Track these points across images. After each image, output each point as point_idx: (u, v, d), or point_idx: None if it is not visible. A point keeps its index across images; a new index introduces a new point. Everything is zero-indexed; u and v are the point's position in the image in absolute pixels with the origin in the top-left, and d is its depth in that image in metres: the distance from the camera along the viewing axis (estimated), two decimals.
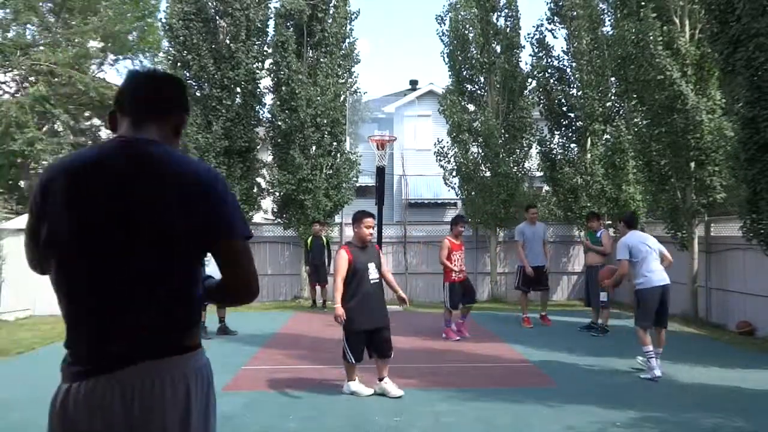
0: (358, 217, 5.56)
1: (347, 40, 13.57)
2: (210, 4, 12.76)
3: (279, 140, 13.21)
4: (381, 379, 5.50)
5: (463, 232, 8.79)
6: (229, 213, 1.61)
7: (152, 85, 1.74)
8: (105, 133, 17.07)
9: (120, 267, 1.53)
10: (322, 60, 13.02)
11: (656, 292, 6.21)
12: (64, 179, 1.57)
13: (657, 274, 6.23)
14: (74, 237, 1.54)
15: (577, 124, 13.36)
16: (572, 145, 13.64)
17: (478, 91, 13.90)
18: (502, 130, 13.24)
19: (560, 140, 13.78)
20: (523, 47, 13.73)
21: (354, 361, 5.42)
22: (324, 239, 12.15)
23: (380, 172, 12.47)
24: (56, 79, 14.41)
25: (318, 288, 12.07)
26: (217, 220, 1.59)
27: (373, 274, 5.41)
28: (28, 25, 15.03)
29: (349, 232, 13.86)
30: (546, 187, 15.60)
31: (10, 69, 14.61)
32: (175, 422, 1.53)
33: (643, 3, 9.88)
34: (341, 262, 5.35)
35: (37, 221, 1.62)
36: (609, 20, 12.83)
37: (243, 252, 1.63)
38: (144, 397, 1.50)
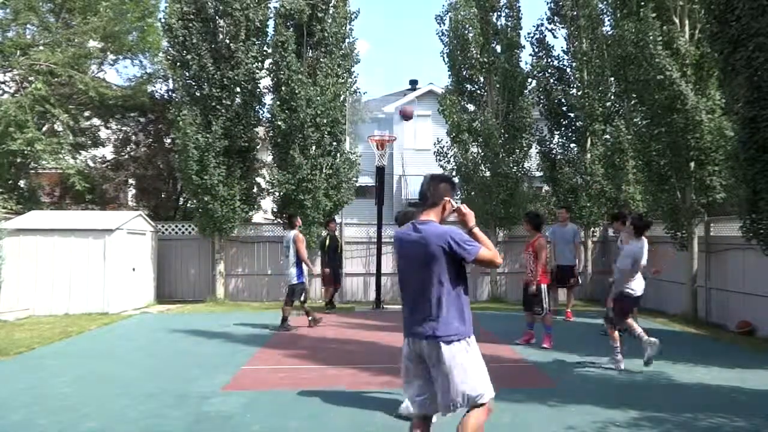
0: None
1: (347, 40, 13.56)
2: (209, 3, 12.73)
3: (279, 140, 13.20)
4: None
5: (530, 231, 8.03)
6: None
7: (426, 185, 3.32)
8: (104, 133, 17.05)
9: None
10: (321, 60, 13.02)
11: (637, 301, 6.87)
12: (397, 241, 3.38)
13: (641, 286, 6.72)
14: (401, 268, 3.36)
15: (577, 124, 13.37)
16: (572, 145, 13.65)
17: (478, 91, 13.90)
18: (502, 130, 13.23)
19: (560, 140, 13.80)
20: (524, 47, 13.72)
21: None
22: (338, 238, 12.01)
23: (380, 172, 12.46)
24: (56, 79, 14.38)
25: (332, 289, 11.95)
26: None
27: None
28: (28, 25, 14.99)
29: (348, 233, 13.91)
30: (546, 187, 15.61)
31: (9, 69, 14.58)
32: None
33: (642, 3, 9.87)
34: None
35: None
36: (609, 20, 12.83)
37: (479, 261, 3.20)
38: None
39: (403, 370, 3.34)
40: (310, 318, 9.50)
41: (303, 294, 9.39)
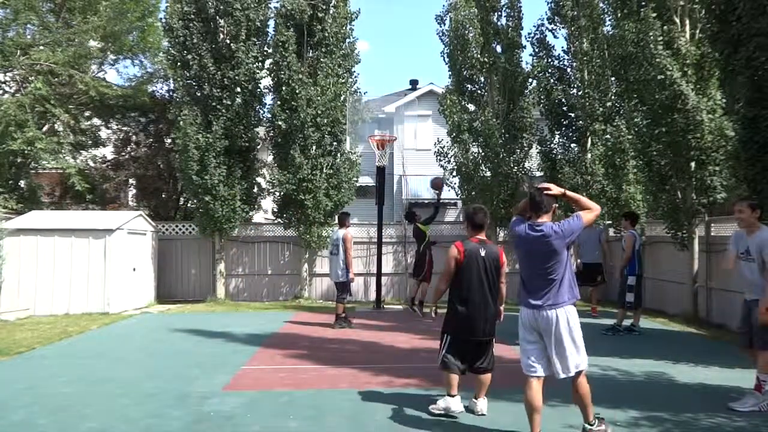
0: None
1: (347, 40, 13.56)
2: (210, 4, 12.73)
3: (279, 140, 13.21)
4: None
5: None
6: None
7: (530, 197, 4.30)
8: (105, 133, 17.05)
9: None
10: (322, 60, 13.01)
11: None
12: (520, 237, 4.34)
13: None
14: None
15: (578, 123, 13.36)
16: (572, 145, 13.63)
17: (478, 91, 13.89)
18: (503, 130, 13.23)
19: (560, 140, 13.77)
20: (524, 47, 13.71)
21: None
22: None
23: (380, 172, 12.46)
24: (56, 79, 14.38)
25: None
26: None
27: None
28: (28, 25, 14.98)
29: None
30: None
31: (10, 69, 14.58)
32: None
33: (643, 3, 9.86)
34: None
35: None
36: (609, 20, 12.82)
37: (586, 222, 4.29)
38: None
39: (523, 342, 4.37)
40: (342, 318, 9.51)
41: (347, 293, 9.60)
